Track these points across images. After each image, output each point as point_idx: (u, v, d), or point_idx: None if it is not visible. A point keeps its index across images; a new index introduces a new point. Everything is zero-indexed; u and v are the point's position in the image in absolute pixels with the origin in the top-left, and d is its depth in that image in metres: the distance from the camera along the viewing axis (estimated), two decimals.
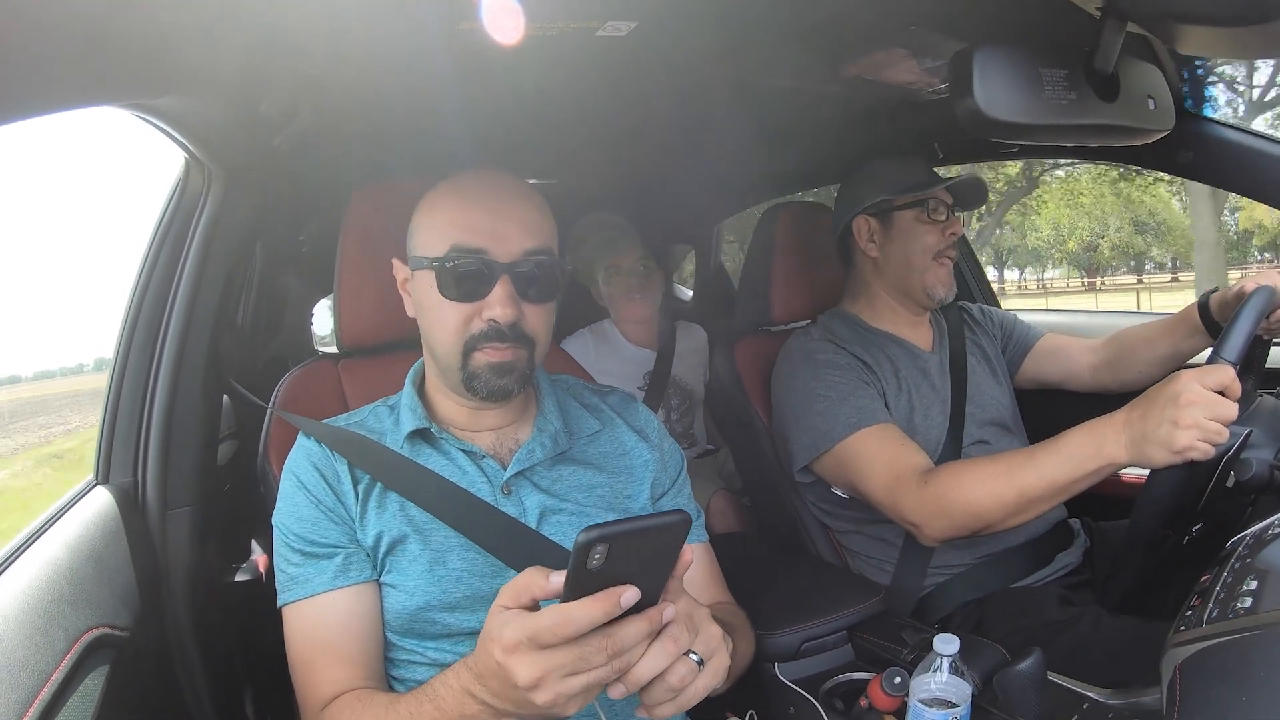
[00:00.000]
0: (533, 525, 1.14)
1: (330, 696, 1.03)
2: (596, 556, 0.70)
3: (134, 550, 1.32)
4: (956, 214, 1.74)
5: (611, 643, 0.74)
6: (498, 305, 1.09)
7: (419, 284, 1.16)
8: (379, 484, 1.13)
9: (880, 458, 1.51)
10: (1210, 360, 1.25)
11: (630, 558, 0.72)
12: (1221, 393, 1.17)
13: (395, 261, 1.23)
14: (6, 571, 1.05)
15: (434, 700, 0.88)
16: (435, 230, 1.13)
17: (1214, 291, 1.62)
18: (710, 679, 0.84)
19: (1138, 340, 1.78)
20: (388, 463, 1.14)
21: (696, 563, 1.28)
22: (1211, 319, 1.59)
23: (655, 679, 0.79)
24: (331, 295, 1.44)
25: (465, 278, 1.10)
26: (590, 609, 0.72)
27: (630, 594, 0.73)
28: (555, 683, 0.74)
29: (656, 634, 0.77)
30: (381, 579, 1.11)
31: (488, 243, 1.10)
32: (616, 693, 0.78)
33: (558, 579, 0.75)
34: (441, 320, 1.13)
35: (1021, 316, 2.03)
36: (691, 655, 0.81)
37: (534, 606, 0.78)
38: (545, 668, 0.74)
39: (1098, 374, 1.83)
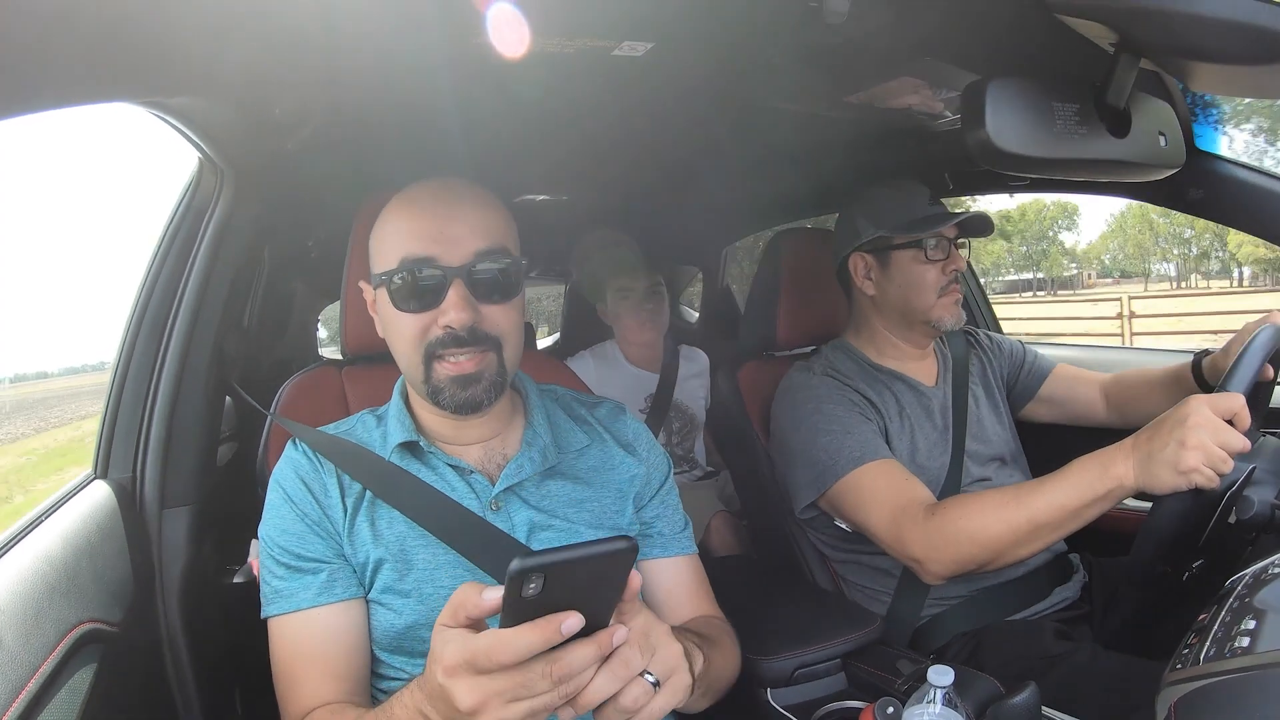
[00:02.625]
0: (522, 540, 1.13)
1: (309, 709, 1.03)
2: (532, 587, 0.66)
3: (129, 546, 1.32)
4: (960, 245, 1.72)
5: (557, 668, 0.70)
6: (451, 310, 1.07)
7: (380, 301, 1.15)
8: (367, 499, 1.13)
9: (884, 492, 1.50)
10: (1219, 390, 1.26)
11: (571, 585, 0.69)
12: (1230, 422, 1.17)
13: (362, 284, 1.22)
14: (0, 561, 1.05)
15: (390, 718, 0.86)
16: (387, 245, 1.13)
17: (1206, 354, 1.64)
18: (669, 698, 0.81)
19: (1140, 388, 1.79)
20: (380, 472, 1.14)
21: (683, 574, 1.26)
22: (1204, 380, 1.61)
23: (607, 702, 0.75)
24: (338, 302, 1.45)
25: (417, 287, 1.09)
26: (528, 636, 0.68)
27: (572, 621, 0.69)
28: (497, 709, 0.71)
29: (607, 657, 0.73)
30: (370, 597, 1.10)
31: (436, 249, 1.09)
32: (565, 715, 0.74)
33: (493, 595, 0.71)
34: (400, 333, 1.12)
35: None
36: (646, 676, 0.78)
37: (478, 623, 0.74)
38: (486, 692, 0.70)
39: (1109, 411, 1.84)
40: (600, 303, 2.79)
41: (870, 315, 1.79)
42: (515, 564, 0.65)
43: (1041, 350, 2.02)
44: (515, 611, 0.68)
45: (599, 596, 0.72)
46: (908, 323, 1.73)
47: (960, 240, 1.73)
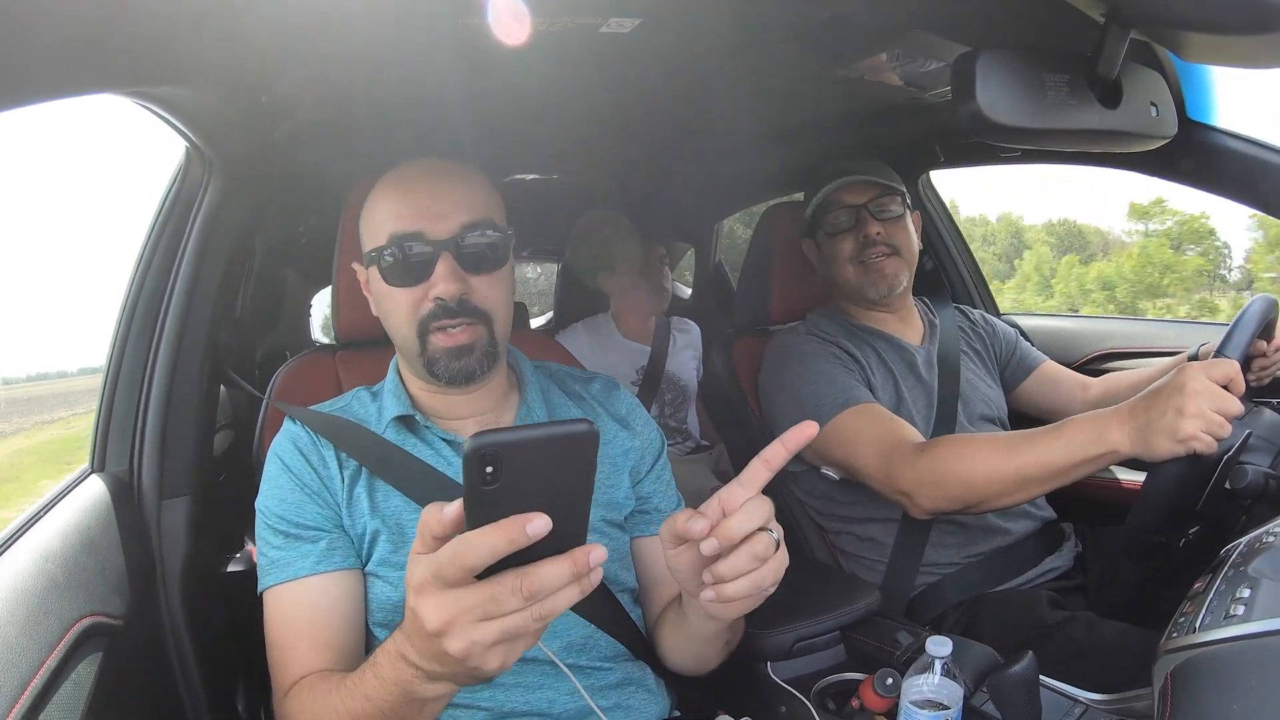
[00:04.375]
0: None
1: (299, 679, 1.03)
2: (489, 470, 0.62)
3: (128, 539, 1.32)
4: (888, 212, 1.71)
5: (528, 583, 0.64)
6: (441, 282, 1.10)
7: (372, 279, 1.17)
8: (364, 473, 1.13)
9: (871, 432, 1.52)
10: (1215, 356, 1.27)
11: (533, 477, 0.64)
12: (1226, 388, 1.18)
13: (355, 265, 1.24)
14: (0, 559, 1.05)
15: (374, 668, 0.84)
16: (375, 224, 1.15)
17: (1204, 344, 1.66)
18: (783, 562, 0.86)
19: (1126, 385, 1.80)
20: (375, 449, 1.15)
21: None
22: None
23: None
24: (329, 288, 1.44)
25: (407, 262, 1.11)
26: (492, 535, 0.63)
27: (539, 523, 0.63)
28: (466, 627, 0.66)
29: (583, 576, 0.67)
30: (367, 569, 1.11)
31: (424, 224, 1.11)
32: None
33: (452, 508, 0.67)
34: (394, 308, 1.14)
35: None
36: (770, 531, 0.82)
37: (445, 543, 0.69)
38: (453, 609, 0.66)
39: (1087, 410, 1.85)
40: (607, 271, 2.79)
41: (832, 291, 1.85)
42: (469, 443, 0.62)
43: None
44: (477, 511, 0.64)
45: (566, 496, 0.67)
46: (847, 295, 1.79)
47: (882, 208, 1.72)
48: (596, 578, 0.68)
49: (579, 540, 0.68)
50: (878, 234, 1.70)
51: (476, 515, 0.64)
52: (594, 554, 0.67)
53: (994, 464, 1.34)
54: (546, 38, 1.31)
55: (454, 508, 0.67)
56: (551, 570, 0.66)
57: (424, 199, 1.12)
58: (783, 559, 0.84)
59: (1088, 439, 1.27)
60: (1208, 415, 1.15)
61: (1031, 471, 1.31)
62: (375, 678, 0.84)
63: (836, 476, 1.67)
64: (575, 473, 0.67)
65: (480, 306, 1.13)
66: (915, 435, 1.50)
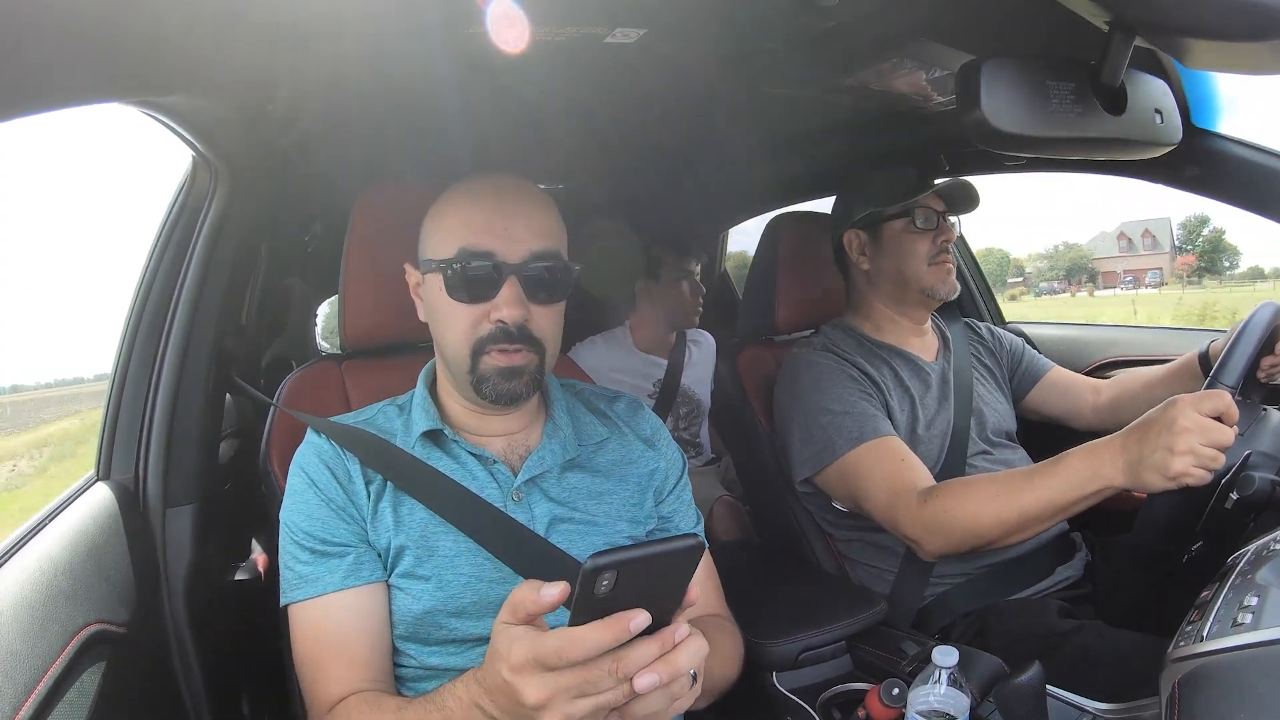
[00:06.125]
0: (541, 533, 1.13)
1: (338, 697, 1.03)
2: (604, 583, 0.69)
3: (133, 547, 1.32)
4: (949, 220, 1.75)
5: (622, 666, 0.72)
6: (505, 306, 1.09)
7: (429, 287, 1.16)
8: (389, 487, 1.13)
9: (881, 474, 1.51)
10: (1208, 385, 1.26)
11: (639, 583, 0.71)
12: (1219, 418, 1.17)
13: (407, 266, 1.23)
14: (4, 566, 1.05)
15: (441, 710, 0.88)
16: (444, 233, 1.13)
17: (1214, 342, 1.65)
18: (696, 693, 0.84)
19: (1139, 385, 1.81)
20: (400, 463, 1.14)
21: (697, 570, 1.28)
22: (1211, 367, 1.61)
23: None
24: (335, 296, 1.44)
25: (473, 279, 1.10)
26: (599, 634, 0.71)
27: (640, 619, 0.71)
28: (563, 704, 0.73)
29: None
30: (390, 580, 1.11)
31: (496, 244, 1.10)
32: None
33: (550, 592, 0.74)
34: (451, 323, 1.13)
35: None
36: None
37: (536, 619, 0.77)
38: (553, 689, 0.73)
39: (1099, 414, 1.86)
40: (649, 279, 2.78)
41: (866, 292, 1.82)
42: (589, 563, 0.68)
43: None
44: (585, 609, 0.70)
45: (664, 594, 0.74)
46: (902, 294, 1.76)
47: (949, 216, 1.76)
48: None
49: (667, 619, 0.75)
50: (945, 242, 1.73)
51: (585, 615, 0.71)
52: (679, 632, 0.75)
53: (996, 508, 1.35)
54: (552, 47, 1.32)
55: (553, 593, 0.74)
56: (644, 651, 0.73)
57: (498, 219, 1.11)
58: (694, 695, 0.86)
59: (1083, 476, 1.28)
60: (1198, 451, 1.16)
61: (1033, 511, 1.32)
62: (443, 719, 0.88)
63: (845, 510, 1.67)
64: (675, 576, 0.75)
65: (537, 335, 1.13)
66: (923, 478, 1.50)
